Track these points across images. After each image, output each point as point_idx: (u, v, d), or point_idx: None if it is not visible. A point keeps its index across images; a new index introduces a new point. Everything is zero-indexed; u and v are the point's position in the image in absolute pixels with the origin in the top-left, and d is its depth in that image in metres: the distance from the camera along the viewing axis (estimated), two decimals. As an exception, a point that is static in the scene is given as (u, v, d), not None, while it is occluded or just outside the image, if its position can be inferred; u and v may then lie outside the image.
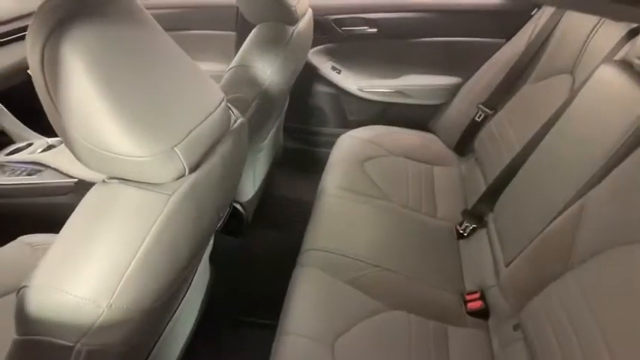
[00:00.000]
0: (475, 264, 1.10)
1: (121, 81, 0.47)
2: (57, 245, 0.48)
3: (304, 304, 0.92)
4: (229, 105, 0.68)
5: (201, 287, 0.98)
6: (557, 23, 1.21)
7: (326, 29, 1.56)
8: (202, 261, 0.90)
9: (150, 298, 0.50)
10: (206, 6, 1.65)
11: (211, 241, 0.93)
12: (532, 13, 1.36)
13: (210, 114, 0.58)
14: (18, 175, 1.10)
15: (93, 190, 0.49)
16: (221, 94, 0.62)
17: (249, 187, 1.31)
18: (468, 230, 1.16)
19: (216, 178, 0.60)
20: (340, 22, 1.55)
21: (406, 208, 1.26)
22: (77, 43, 0.43)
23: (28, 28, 0.44)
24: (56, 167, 1.13)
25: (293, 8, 1.09)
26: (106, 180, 0.51)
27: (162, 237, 0.49)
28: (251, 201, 1.35)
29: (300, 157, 1.84)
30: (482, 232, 1.15)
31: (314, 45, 1.58)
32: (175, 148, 0.50)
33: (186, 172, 0.52)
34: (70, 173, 1.11)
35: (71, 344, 0.46)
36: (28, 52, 0.44)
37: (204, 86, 0.60)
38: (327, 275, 0.99)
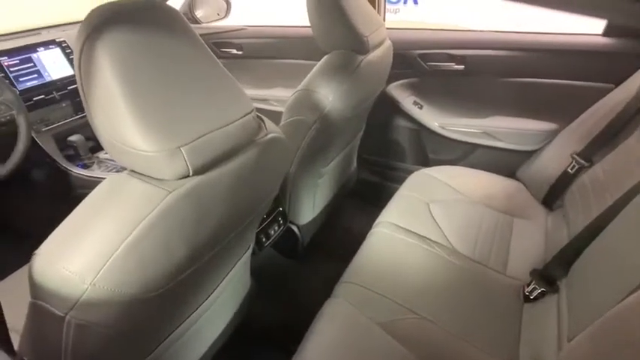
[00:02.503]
0: (536, 333, 0.97)
1: (142, 81, 0.53)
2: (66, 221, 0.54)
3: (326, 339, 0.91)
4: (262, 119, 0.72)
5: (236, 299, 1.03)
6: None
7: (410, 63, 1.57)
8: (238, 272, 0.95)
9: (135, 286, 0.54)
10: (298, 37, 1.80)
11: (248, 253, 0.97)
12: (649, 57, 1.20)
13: (230, 123, 0.61)
14: (110, 171, 1.31)
15: (109, 177, 0.57)
16: (249, 108, 0.66)
17: (308, 210, 1.36)
18: (535, 293, 1.04)
19: (228, 185, 0.63)
20: (426, 57, 1.55)
21: (470, 258, 1.17)
22: (107, 45, 0.51)
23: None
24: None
25: (364, 38, 1.13)
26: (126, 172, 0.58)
27: (154, 230, 0.52)
28: (309, 225, 1.39)
29: (374, 190, 1.85)
30: (552, 298, 1.01)
31: (396, 79, 1.60)
32: (181, 148, 0.54)
33: (190, 173, 0.55)
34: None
35: (62, 314, 0.52)
36: (73, 51, 0.54)
37: (230, 97, 0.65)
38: (359, 312, 0.96)
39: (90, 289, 0.50)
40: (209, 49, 0.64)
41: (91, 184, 1.32)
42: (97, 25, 0.52)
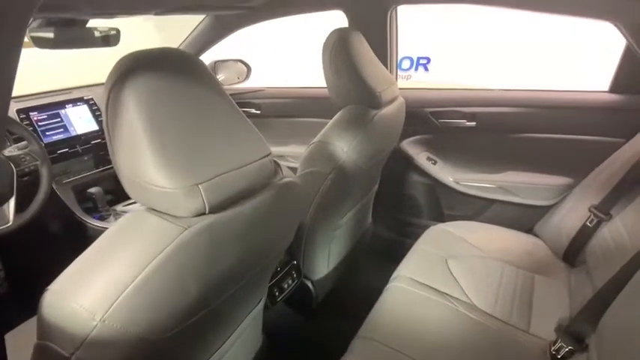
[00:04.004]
0: (567, 397, 0.93)
1: (164, 122, 0.56)
2: (81, 256, 0.55)
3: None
4: (279, 164, 0.75)
5: (246, 355, 1.01)
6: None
7: (422, 120, 1.65)
8: (249, 325, 0.93)
9: (145, 324, 0.54)
10: (313, 97, 1.92)
11: (260, 306, 0.96)
12: (658, 111, 1.26)
13: (247, 164, 0.64)
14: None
15: (128, 214, 0.59)
16: (266, 151, 0.69)
17: (323, 264, 1.36)
18: (563, 352, 1.00)
19: (243, 225, 0.64)
20: (437, 115, 1.63)
21: (491, 315, 1.15)
22: (134, 88, 0.55)
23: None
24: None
25: (377, 93, 1.21)
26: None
27: (167, 266, 0.53)
28: (324, 280, 1.38)
29: (390, 246, 1.84)
30: (581, 358, 0.97)
31: (409, 135, 1.67)
32: (199, 186, 0.56)
33: (207, 211, 0.57)
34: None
35: (67, 355, 0.51)
36: (102, 96, 0.59)
37: (248, 140, 0.68)
38: (377, 369, 0.94)
39: (99, 326, 0.50)
40: (229, 96, 0.69)
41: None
42: (126, 70, 0.57)
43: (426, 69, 3.33)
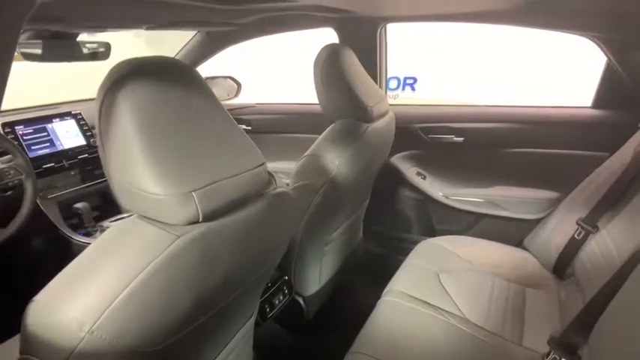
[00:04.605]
0: (561, 409, 0.93)
1: (158, 129, 0.56)
2: (69, 266, 0.53)
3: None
4: (272, 174, 0.76)
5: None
6: (666, 135, 1.14)
7: (412, 136, 1.68)
8: (240, 342, 0.91)
9: (136, 336, 0.52)
10: (303, 113, 1.94)
11: (251, 322, 0.94)
12: (639, 125, 1.30)
13: (241, 173, 0.63)
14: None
15: (118, 222, 0.59)
16: (261, 160, 0.69)
17: (314, 280, 1.35)
18: (555, 364, 1.01)
19: (236, 234, 0.64)
20: (426, 130, 1.66)
21: (483, 329, 1.15)
22: (128, 94, 0.55)
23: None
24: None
25: (368, 107, 1.23)
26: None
27: (160, 275, 0.52)
28: (315, 296, 1.37)
29: (380, 262, 1.84)
30: (574, 370, 0.98)
31: (399, 150, 1.70)
32: (193, 193, 0.55)
33: (200, 219, 0.56)
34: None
35: None
36: (95, 102, 0.58)
37: (242, 149, 0.67)
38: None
39: (87, 337, 0.48)
40: (222, 105, 0.69)
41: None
42: (121, 75, 0.57)
43: (413, 89, 3.46)
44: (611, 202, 1.24)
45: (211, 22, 1.53)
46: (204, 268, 0.60)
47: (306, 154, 1.18)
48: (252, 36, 1.78)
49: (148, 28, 1.36)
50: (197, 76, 0.67)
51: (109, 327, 0.49)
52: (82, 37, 1.28)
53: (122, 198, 0.59)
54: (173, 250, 0.54)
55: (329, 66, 1.23)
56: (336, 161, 1.14)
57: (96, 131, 0.60)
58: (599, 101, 1.47)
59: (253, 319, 0.97)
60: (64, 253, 1.37)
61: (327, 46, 1.27)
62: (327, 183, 1.13)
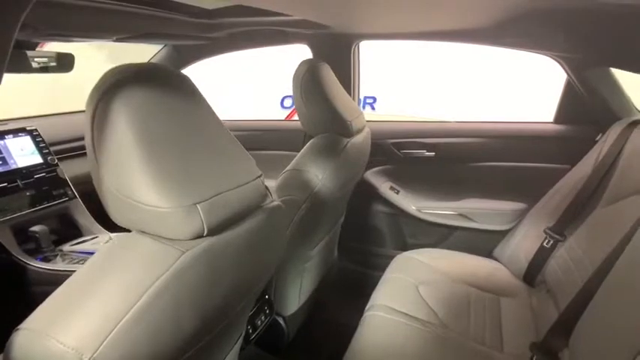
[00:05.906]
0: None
1: (157, 138, 0.53)
2: (61, 288, 0.49)
3: None
4: (267, 186, 0.74)
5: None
6: (623, 147, 1.25)
7: (385, 152, 1.73)
8: None
9: None
10: (276, 129, 1.95)
11: (237, 346, 0.91)
12: (596, 139, 1.42)
13: (241, 185, 0.62)
14: (75, 263, 1.25)
15: (114, 237, 0.55)
16: (257, 172, 0.68)
17: (294, 299, 1.34)
18: (539, 368, 1.06)
19: (238, 249, 0.62)
20: (399, 146, 1.72)
21: (466, 338, 1.19)
22: (124, 101, 0.52)
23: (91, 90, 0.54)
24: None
25: (348, 122, 1.26)
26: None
27: (166, 293, 0.49)
28: (295, 316, 1.35)
29: (356, 279, 1.86)
30: (557, 372, 1.03)
31: (373, 166, 1.74)
32: (198, 205, 0.52)
33: (205, 232, 0.54)
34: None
35: None
36: (85, 108, 0.54)
37: (240, 161, 0.66)
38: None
39: None
40: (216, 115, 0.67)
41: (54, 278, 1.23)
42: (115, 82, 0.54)
43: (373, 108, 3.59)
44: (575, 212, 1.34)
45: (182, 36, 1.51)
46: (210, 285, 0.58)
47: (287, 168, 1.18)
48: (222, 51, 1.77)
49: (117, 40, 1.32)
50: (191, 84, 0.65)
51: (113, 354, 0.45)
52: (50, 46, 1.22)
53: (117, 213, 0.55)
54: (179, 266, 0.51)
55: (308, 80, 1.25)
56: (320, 175, 1.15)
57: (85, 142, 0.55)
58: (560, 117, 1.60)
59: (240, 342, 0.94)
60: (18, 281, 1.27)
61: (306, 61, 1.29)
62: (311, 197, 1.14)
